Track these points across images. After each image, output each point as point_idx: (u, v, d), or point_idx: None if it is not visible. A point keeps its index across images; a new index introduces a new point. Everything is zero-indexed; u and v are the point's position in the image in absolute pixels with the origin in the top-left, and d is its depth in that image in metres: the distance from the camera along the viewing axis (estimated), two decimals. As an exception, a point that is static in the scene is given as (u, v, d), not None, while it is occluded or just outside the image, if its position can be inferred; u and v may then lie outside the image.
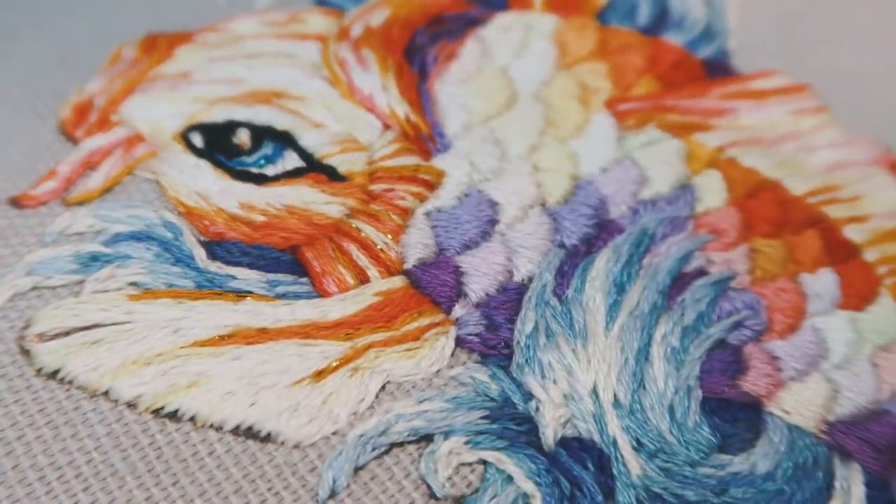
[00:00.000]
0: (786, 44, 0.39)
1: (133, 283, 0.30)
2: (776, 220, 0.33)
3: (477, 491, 0.27)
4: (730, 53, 0.39)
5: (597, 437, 0.28)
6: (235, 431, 0.27)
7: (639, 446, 0.28)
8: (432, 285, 0.31)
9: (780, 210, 0.33)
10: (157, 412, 0.27)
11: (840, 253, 0.33)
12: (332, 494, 0.26)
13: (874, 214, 0.34)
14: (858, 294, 0.32)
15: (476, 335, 0.30)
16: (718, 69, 0.38)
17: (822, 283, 0.32)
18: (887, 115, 0.37)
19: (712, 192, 0.34)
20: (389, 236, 0.31)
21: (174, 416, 0.27)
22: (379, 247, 0.31)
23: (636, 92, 0.37)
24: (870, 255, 0.33)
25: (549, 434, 0.28)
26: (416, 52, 0.37)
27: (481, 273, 0.31)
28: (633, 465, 0.27)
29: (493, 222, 0.32)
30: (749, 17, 0.40)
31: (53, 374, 0.28)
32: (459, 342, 0.30)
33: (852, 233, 0.33)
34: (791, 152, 0.35)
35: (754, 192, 0.34)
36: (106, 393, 0.28)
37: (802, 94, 0.37)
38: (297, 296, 0.30)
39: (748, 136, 0.35)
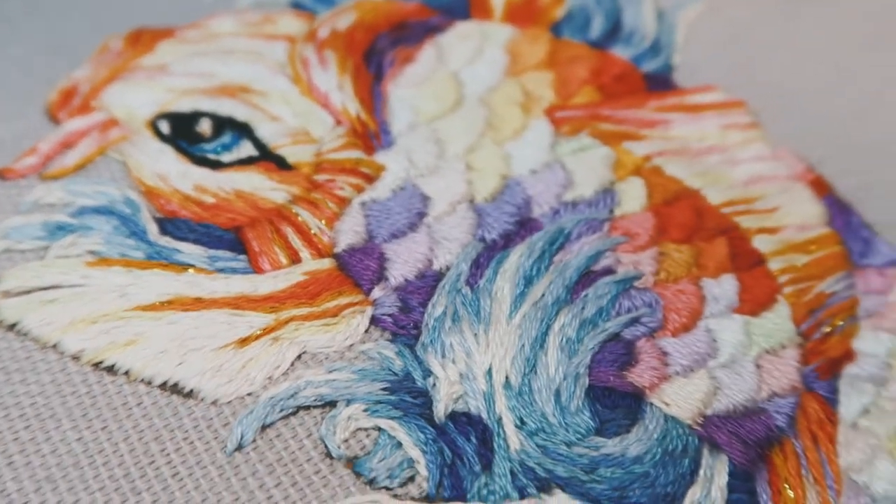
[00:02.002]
0: (729, 60, 0.41)
1: (92, 252, 0.34)
2: (689, 226, 0.35)
3: (368, 454, 0.30)
4: (674, 68, 0.41)
5: (484, 414, 0.31)
6: (163, 386, 0.31)
7: (521, 424, 0.30)
8: (356, 269, 0.34)
9: (695, 217, 0.36)
10: (96, 365, 0.31)
11: (745, 261, 0.35)
12: (239, 447, 0.30)
13: (786, 226, 0.36)
14: (756, 300, 0.34)
15: (389, 315, 0.33)
16: (659, 83, 0.40)
17: (722, 287, 0.34)
18: (820, 130, 0.39)
19: (632, 197, 0.36)
20: (324, 222, 0.35)
21: (111, 369, 0.31)
22: (313, 231, 0.34)
23: (576, 101, 0.39)
24: (774, 265, 0.35)
25: (441, 408, 0.31)
26: (375, 55, 0.40)
27: (402, 260, 0.34)
28: (513, 440, 0.30)
29: (422, 215, 0.35)
30: (696, 34, 0.42)
31: (12, 327, 0.32)
32: (374, 321, 0.33)
33: (761, 243, 0.35)
34: (714, 164, 0.37)
35: (672, 200, 0.36)
36: (55, 346, 0.32)
37: (736, 110, 0.39)
38: (234, 271, 0.34)
39: (675, 147, 0.38)
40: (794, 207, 0.36)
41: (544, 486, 0.29)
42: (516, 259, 0.34)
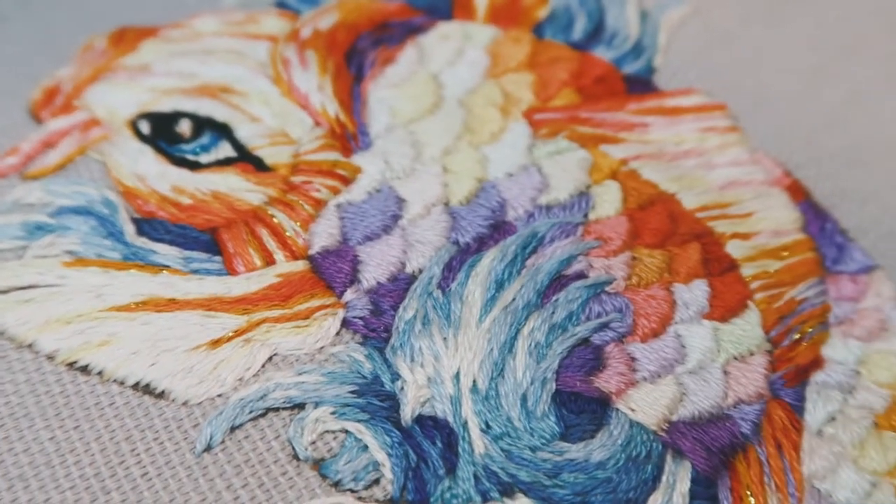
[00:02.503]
0: (711, 64, 0.41)
1: (69, 252, 0.34)
2: (663, 231, 0.36)
3: (335, 456, 0.30)
4: (655, 70, 0.41)
5: (450, 418, 0.31)
6: (135, 387, 0.31)
7: (487, 429, 0.31)
8: (329, 271, 0.34)
9: (669, 222, 0.36)
10: (70, 365, 0.32)
11: (717, 266, 0.35)
12: (208, 448, 0.30)
13: (760, 232, 0.36)
14: (726, 306, 0.34)
15: (361, 318, 0.33)
16: (640, 85, 0.40)
17: (693, 293, 0.34)
18: (799, 134, 0.39)
19: (607, 201, 0.36)
20: (299, 224, 0.35)
21: (85, 369, 0.32)
22: (288, 233, 0.35)
23: (556, 103, 0.39)
24: (747, 270, 0.35)
25: (407, 412, 0.31)
26: (356, 56, 0.40)
27: (375, 263, 0.34)
28: (477, 444, 0.30)
29: (397, 217, 0.35)
30: (679, 36, 0.42)
31: (-11, 326, 0.33)
32: (346, 323, 0.33)
33: (734, 248, 0.35)
34: (691, 168, 0.37)
35: (647, 205, 0.36)
36: (31, 345, 0.32)
37: (716, 113, 0.39)
38: (209, 272, 0.34)
39: (652, 151, 0.38)
40: (769, 213, 0.36)
41: (507, 491, 0.30)
42: (488, 263, 0.34)
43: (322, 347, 0.33)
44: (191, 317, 0.33)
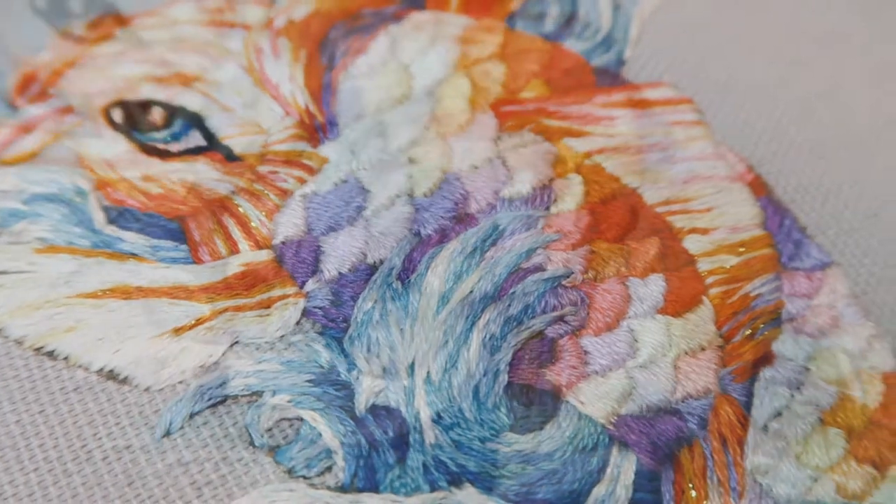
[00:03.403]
0: (681, 56, 0.41)
1: (40, 238, 0.35)
2: (622, 226, 0.36)
3: (290, 443, 0.31)
4: (625, 62, 0.41)
5: (403, 408, 0.32)
6: (99, 372, 0.32)
7: (438, 419, 0.32)
8: (292, 261, 0.35)
9: (629, 217, 0.36)
10: (38, 350, 0.33)
11: (674, 261, 0.35)
12: (167, 433, 0.31)
13: (719, 227, 0.36)
14: (680, 301, 0.34)
15: (321, 308, 0.34)
16: (609, 77, 0.41)
17: (649, 288, 0.35)
18: (767, 127, 0.39)
19: (570, 195, 0.37)
20: (265, 214, 0.36)
21: (51, 354, 0.33)
22: (253, 223, 0.36)
23: (525, 95, 0.39)
24: (703, 266, 0.35)
25: (361, 401, 0.32)
26: (329, 45, 0.41)
27: (338, 254, 0.35)
28: (428, 434, 0.31)
29: (361, 209, 0.36)
30: (651, 28, 0.42)
31: (-39, 312, 0.34)
32: (306, 313, 0.34)
33: (692, 243, 0.36)
34: (654, 162, 0.38)
35: (609, 199, 0.37)
36: (0, 330, 0.33)
37: (683, 107, 0.39)
38: (175, 261, 0.35)
39: (617, 144, 0.38)
40: (729, 208, 0.37)
41: (455, 480, 0.31)
42: (448, 255, 0.35)
43: (282, 336, 0.33)
44: (156, 304, 0.34)
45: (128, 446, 0.31)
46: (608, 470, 0.31)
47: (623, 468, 0.31)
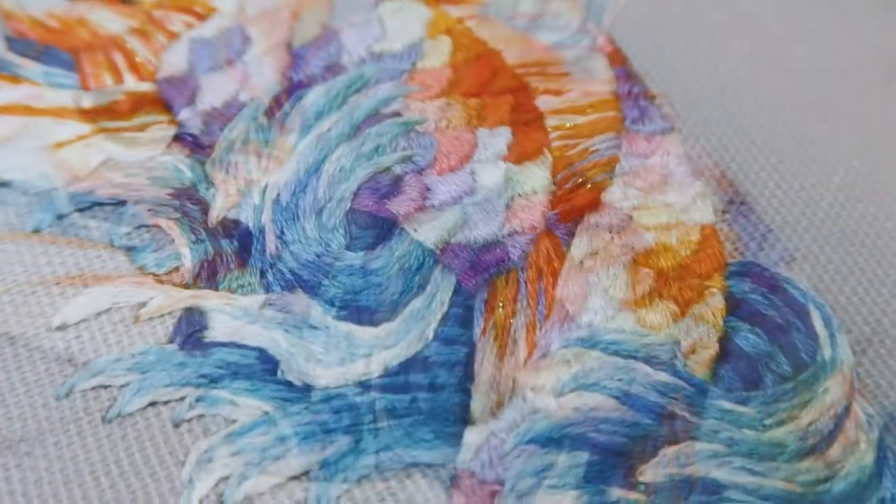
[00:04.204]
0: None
1: (-54, 62, 0.39)
2: (481, 83, 0.39)
3: (145, 245, 0.35)
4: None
5: (251, 224, 0.35)
6: (-11, 178, 0.36)
7: (281, 235, 0.35)
8: (170, 94, 0.38)
9: (489, 76, 0.39)
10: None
11: (524, 117, 0.38)
12: (37, 230, 0.35)
13: (572, 90, 0.39)
14: (523, 151, 0.37)
15: (191, 135, 0.37)
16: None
17: (495, 138, 0.37)
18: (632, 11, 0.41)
19: (437, 53, 0.39)
20: (151, 52, 0.39)
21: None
22: (139, 59, 0.39)
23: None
24: (551, 122, 0.38)
25: (214, 214, 0.35)
26: None
27: (213, 90, 0.38)
28: (270, 246, 0.34)
29: (241, 53, 0.39)
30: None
31: None
32: (177, 139, 0.37)
33: (545, 102, 0.39)
34: (522, 29, 0.40)
35: (473, 59, 0.39)
36: None
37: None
38: (65, 86, 0.38)
39: (490, 13, 0.41)
40: (583, 74, 0.39)
41: (289, 286, 0.34)
42: (313, 97, 0.38)
43: (152, 157, 0.37)
44: (43, 121, 0.37)
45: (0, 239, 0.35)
46: (428, 287, 0.34)
47: (442, 287, 0.34)
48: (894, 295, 0.35)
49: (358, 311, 0.33)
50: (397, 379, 0.32)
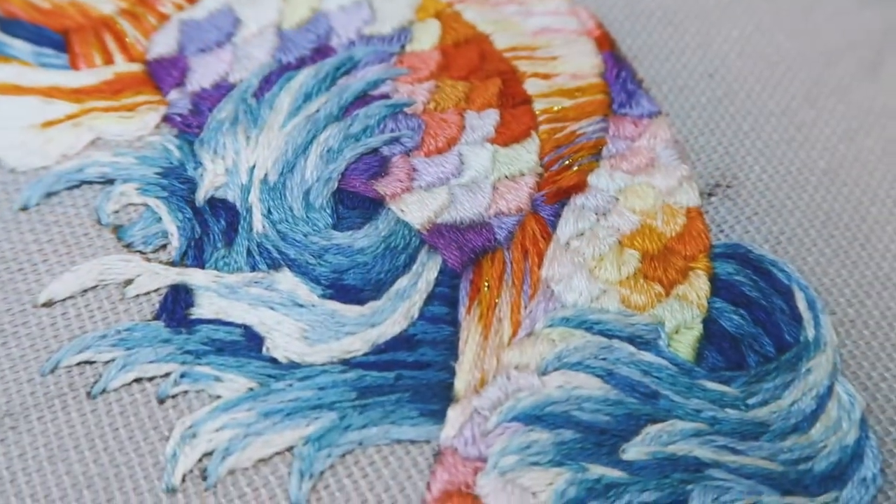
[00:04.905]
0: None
1: (-63, 41, 0.39)
2: (469, 66, 0.39)
3: (132, 223, 0.35)
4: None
5: (238, 203, 0.35)
6: (-28, 154, 0.36)
7: (269, 214, 0.35)
8: (160, 74, 0.38)
9: (478, 59, 0.39)
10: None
11: (512, 100, 0.38)
12: (25, 208, 0.35)
13: (560, 73, 0.39)
14: (510, 133, 0.37)
15: (180, 115, 0.37)
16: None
17: (483, 120, 0.38)
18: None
19: (425, 36, 0.40)
20: (141, 33, 0.39)
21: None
22: (129, 39, 0.39)
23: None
24: (539, 105, 0.38)
25: (201, 193, 0.35)
26: None
27: (203, 71, 0.38)
28: (257, 224, 0.35)
29: (231, 35, 0.39)
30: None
31: None
32: (166, 119, 0.37)
33: (532, 86, 0.39)
34: (510, 14, 0.41)
35: (462, 43, 0.40)
36: None
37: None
38: (55, 66, 0.38)
39: (480, -2, 0.41)
40: (572, 58, 0.40)
41: (275, 265, 0.34)
42: (302, 78, 0.38)
43: (141, 136, 0.37)
44: (31, 100, 0.37)
45: (-11, 217, 0.35)
46: (414, 266, 0.34)
47: (428, 266, 0.34)
48: (878, 277, 0.35)
49: (344, 289, 0.34)
50: (382, 356, 0.32)
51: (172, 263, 0.34)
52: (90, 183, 0.36)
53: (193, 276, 0.33)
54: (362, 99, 0.38)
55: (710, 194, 0.37)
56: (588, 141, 0.37)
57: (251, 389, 0.31)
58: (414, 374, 0.32)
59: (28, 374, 0.32)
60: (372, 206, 0.35)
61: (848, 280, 0.35)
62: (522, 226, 0.35)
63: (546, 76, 0.39)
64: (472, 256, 0.35)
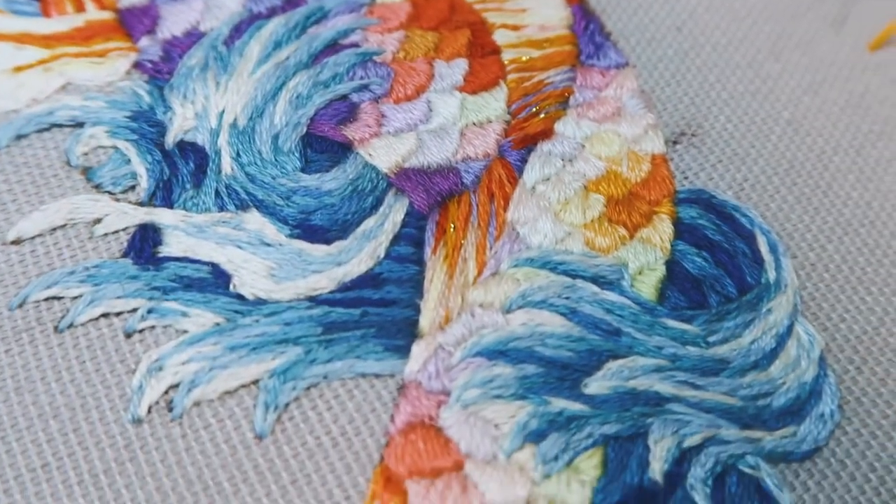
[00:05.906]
0: None
1: None
2: (440, 18, 0.39)
3: (101, 165, 0.35)
4: None
5: (207, 146, 0.35)
6: (-58, 98, 0.36)
7: (237, 156, 0.35)
8: (131, 22, 0.38)
9: (448, 11, 0.40)
10: None
11: (481, 50, 0.39)
12: (-5, 149, 0.35)
13: (529, 25, 0.40)
14: (478, 82, 0.38)
15: (151, 62, 0.38)
16: None
17: (452, 69, 0.38)
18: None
19: (396, -11, 0.40)
20: (111, -17, 0.40)
21: None
22: (101, -11, 0.39)
23: None
24: (507, 55, 0.39)
25: (170, 137, 0.36)
26: None
27: (174, 20, 0.39)
28: (226, 167, 0.35)
29: (203, -15, 0.40)
30: None
31: None
32: (137, 66, 0.38)
33: (502, 36, 0.39)
34: (481, -33, 0.41)
35: (433, -5, 0.40)
36: None
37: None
38: (26, 13, 0.39)
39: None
40: (541, 10, 0.40)
41: (242, 205, 0.34)
42: (272, 26, 0.38)
43: (111, 82, 0.37)
44: (2, 47, 0.37)
45: (-43, 157, 0.35)
46: (381, 208, 0.35)
47: (395, 208, 0.35)
48: (839, 223, 0.36)
49: (311, 230, 0.34)
50: (348, 294, 0.33)
51: (141, 204, 0.34)
52: (60, 126, 0.36)
53: (162, 216, 0.34)
54: (332, 47, 0.38)
55: (675, 142, 0.37)
56: (555, 90, 0.38)
57: (218, 324, 0.32)
58: (379, 311, 0.32)
59: (-5, 309, 0.32)
60: (340, 151, 0.36)
61: (810, 225, 0.36)
62: (489, 170, 0.36)
63: (515, 27, 0.39)
64: (439, 199, 0.35)
